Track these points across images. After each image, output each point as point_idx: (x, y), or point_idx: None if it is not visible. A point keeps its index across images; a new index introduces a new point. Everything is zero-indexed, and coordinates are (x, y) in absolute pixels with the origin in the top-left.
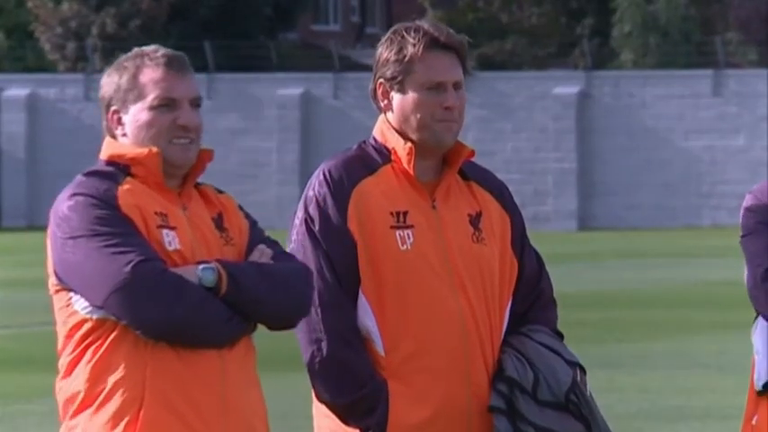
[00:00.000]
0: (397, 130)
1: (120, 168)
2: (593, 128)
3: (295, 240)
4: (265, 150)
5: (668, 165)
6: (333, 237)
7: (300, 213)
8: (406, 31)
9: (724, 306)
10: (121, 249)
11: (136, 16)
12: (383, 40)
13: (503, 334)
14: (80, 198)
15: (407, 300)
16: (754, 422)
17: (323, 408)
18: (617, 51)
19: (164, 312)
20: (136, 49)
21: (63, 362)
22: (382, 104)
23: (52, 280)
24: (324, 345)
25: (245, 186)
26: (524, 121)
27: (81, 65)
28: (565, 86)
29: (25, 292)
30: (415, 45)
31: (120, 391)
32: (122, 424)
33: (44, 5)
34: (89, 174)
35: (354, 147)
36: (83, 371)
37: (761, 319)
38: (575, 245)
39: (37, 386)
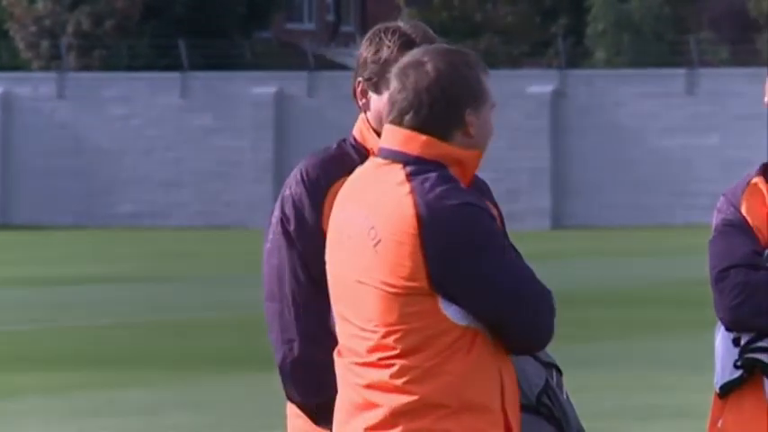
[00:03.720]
0: (375, 130)
1: (439, 167)
2: (567, 126)
3: (271, 240)
4: (239, 149)
5: (642, 163)
6: (307, 237)
7: (277, 212)
8: (383, 32)
9: (697, 305)
10: (527, 266)
11: (110, 15)
12: (365, 39)
13: None
14: (478, 210)
15: None
16: (719, 425)
17: (295, 408)
18: (591, 50)
19: (552, 326)
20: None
21: (415, 366)
22: (361, 104)
23: (418, 284)
24: (296, 345)
25: (218, 185)
26: (498, 119)
27: (55, 63)
28: (539, 85)
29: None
30: (390, 47)
31: (489, 400)
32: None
33: (19, 4)
34: (447, 179)
35: (334, 145)
36: (448, 378)
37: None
38: (548, 243)
39: (14, 385)
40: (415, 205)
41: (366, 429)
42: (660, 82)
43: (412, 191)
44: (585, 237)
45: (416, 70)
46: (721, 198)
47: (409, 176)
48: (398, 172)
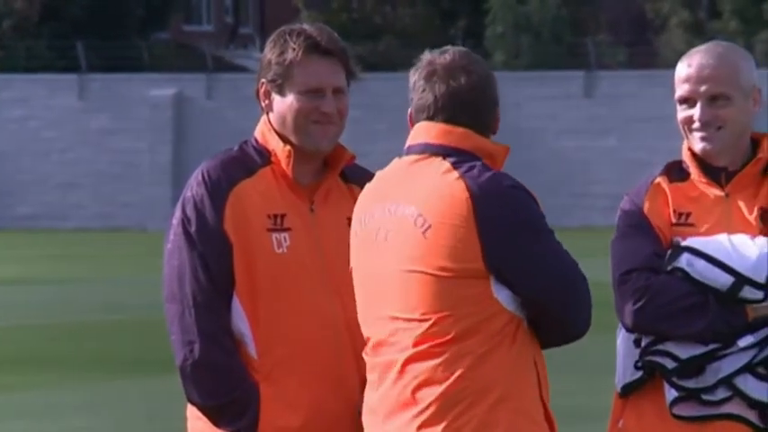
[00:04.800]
0: (277, 132)
1: (475, 159)
2: None
3: (172, 241)
4: (137, 151)
5: (540, 165)
6: (208, 238)
7: (178, 213)
8: (289, 35)
9: (597, 306)
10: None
11: (8, 16)
12: (269, 40)
13: None
14: (527, 194)
15: (281, 303)
16: (620, 425)
17: (195, 410)
18: (490, 52)
19: (590, 317)
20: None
21: (467, 352)
22: (264, 105)
23: (473, 265)
24: (196, 347)
25: (116, 187)
26: (398, 122)
27: None
28: None
29: None
30: (295, 49)
31: (530, 388)
32: (541, 419)
33: None
34: (490, 168)
35: (236, 147)
36: (498, 364)
37: None
38: None
39: None
40: (468, 188)
41: (415, 421)
42: (558, 84)
43: (461, 176)
44: None
45: (443, 73)
46: (624, 197)
47: (454, 165)
48: (441, 163)
